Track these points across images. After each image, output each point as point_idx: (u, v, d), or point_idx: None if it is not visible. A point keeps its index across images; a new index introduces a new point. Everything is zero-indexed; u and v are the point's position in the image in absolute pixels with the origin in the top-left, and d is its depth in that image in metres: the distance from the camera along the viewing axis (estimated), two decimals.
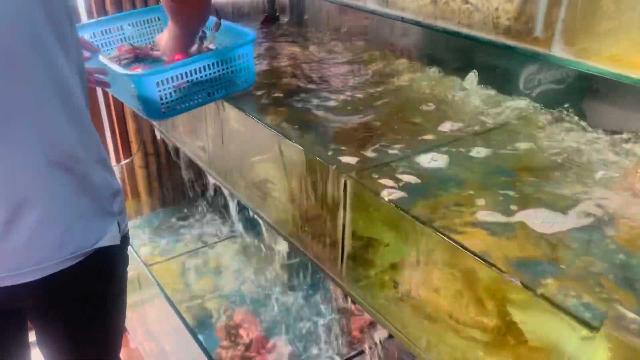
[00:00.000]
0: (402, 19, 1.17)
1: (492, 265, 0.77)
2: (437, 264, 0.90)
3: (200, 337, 1.54)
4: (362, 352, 1.55)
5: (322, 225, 1.16)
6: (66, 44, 0.91)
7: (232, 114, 1.36)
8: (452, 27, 1.06)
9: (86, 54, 1.23)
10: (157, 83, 1.12)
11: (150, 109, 1.16)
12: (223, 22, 1.37)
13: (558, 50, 0.91)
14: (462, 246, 0.81)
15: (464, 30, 1.03)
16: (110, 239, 1.02)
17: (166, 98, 1.15)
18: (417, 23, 1.13)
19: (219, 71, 1.24)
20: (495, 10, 0.98)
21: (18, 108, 0.85)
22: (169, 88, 1.15)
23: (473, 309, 0.85)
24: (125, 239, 1.09)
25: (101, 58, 1.23)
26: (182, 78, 1.16)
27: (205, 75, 1.21)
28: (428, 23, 1.11)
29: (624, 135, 1.00)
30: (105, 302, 1.13)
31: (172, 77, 1.14)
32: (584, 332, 0.69)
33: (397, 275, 1.01)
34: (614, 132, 1.01)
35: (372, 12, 1.27)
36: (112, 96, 2.11)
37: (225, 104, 1.34)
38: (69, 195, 0.94)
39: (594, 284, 0.71)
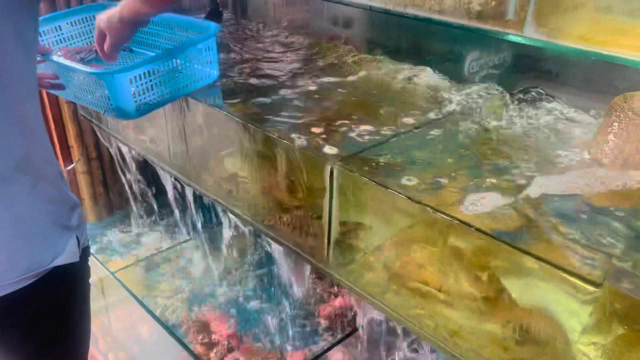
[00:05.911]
0: (370, 8, 1.20)
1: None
2: (432, 240, 0.94)
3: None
4: (338, 342, 1.58)
5: (306, 214, 1.17)
6: (27, 48, 0.84)
7: (196, 109, 1.34)
8: (423, 14, 1.09)
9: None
10: (131, 80, 1.08)
11: (123, 108, 1.12)
12: (182, 16, 1.35)
13: (530, 32, 0.97)
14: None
15: (435, 17, 1.07)
16: (68, 255, 0.97)
17: (139, 95, 1.12)
18: (386, 12, 1.16)
19: (187, 65, 1.22)
20: None
21: None
22: (142, 85, 1.12)
23: (474, 280, 0.90)
24: (85, 253, 1.04)
25: (59, 59, 1.17)
26: (153, 74, 1.14)
27: (176, 69, 1.19)
28: (397, 11, 1.14)
29: (590, 110, 1.09)
30: (66, 319, 1.07)
31: (144, 73, 1.12)
32: (588, 289, 0.75)
33: (386, 256, 1.04)
34: (580, 107, 1.09)
35: (338, 2, 1.29)
36: (48, 100, 2.01)
37: (189, 99, 1.32)
38: (18, 213, 0.88)
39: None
